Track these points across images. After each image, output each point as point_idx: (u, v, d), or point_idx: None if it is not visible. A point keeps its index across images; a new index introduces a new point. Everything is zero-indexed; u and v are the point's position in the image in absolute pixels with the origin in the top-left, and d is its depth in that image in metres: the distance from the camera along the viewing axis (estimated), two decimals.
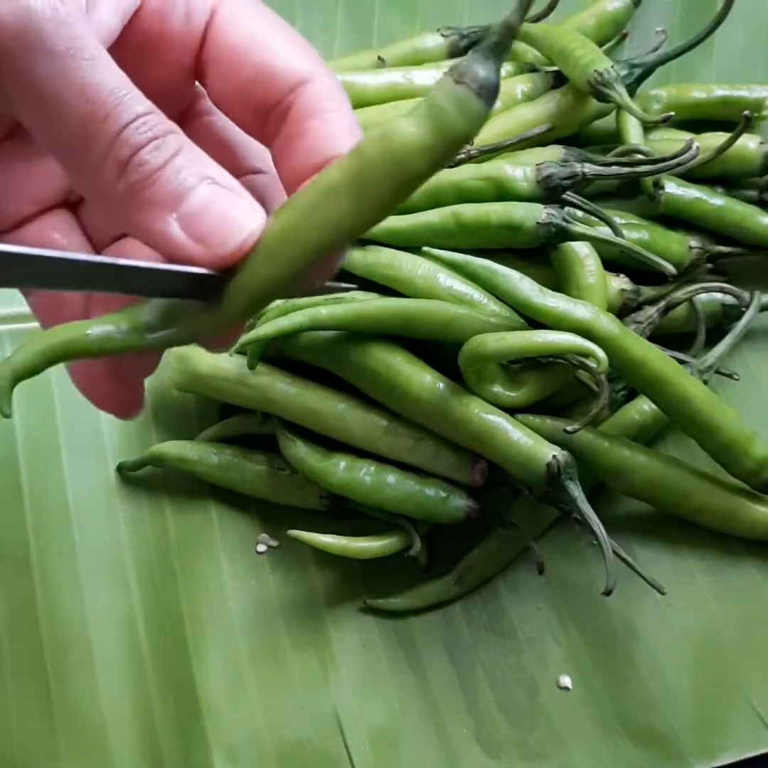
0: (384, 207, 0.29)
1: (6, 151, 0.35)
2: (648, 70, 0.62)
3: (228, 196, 0.32)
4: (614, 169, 0.54)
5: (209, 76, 0.34)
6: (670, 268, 0.52)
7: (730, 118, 0.62)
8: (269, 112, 0.34)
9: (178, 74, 0.34)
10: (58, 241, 0.37)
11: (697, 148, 0.53)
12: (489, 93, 0.27)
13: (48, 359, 0.30)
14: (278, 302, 0.54)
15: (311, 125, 0.33)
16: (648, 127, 0.62)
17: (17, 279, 0.29)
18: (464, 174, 0.54)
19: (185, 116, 0.37)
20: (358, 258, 0.54)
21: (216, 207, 0.31)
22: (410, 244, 0.53)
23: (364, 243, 0.54)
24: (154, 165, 0.30)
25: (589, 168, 0.53)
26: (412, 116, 0.28)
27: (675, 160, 0.52)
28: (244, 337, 0.53)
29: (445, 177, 0.54)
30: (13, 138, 0.34)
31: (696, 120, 0.64)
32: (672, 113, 0.57)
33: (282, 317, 0.52)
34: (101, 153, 0.30)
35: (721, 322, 0.60)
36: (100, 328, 0.31)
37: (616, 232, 0.54)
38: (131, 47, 0.33)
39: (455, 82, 0.27)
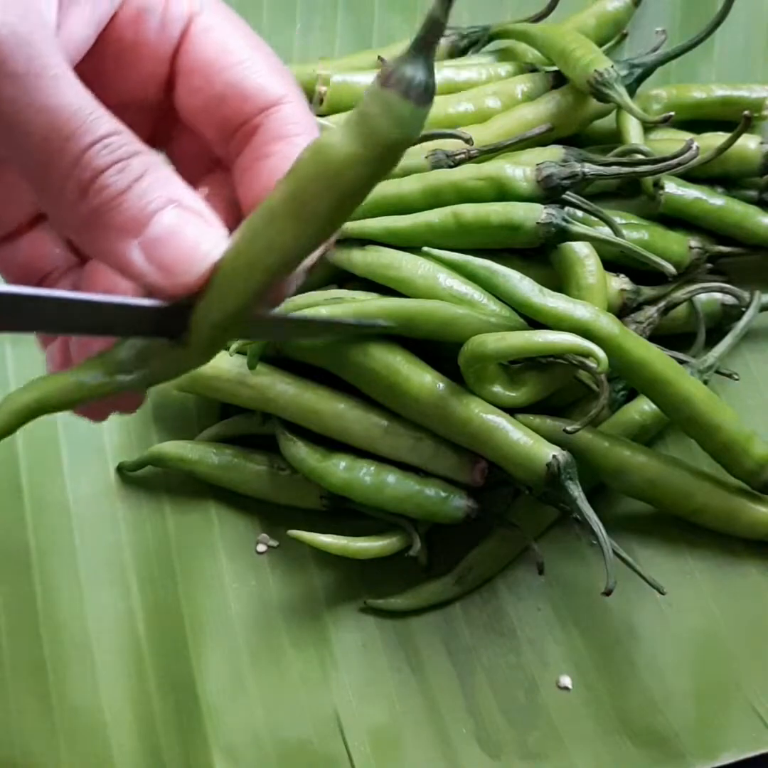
0: (325, 225, 0.28)
1: None
2: (648, 70, 0.62)
3: (192, 221, 0.31)
4: (614, 169, 0.54)
5: (179, 87, 0.34)
6: (670, 268, 0.52)
7: (730, 118, 0.62)
8: (236, 130, 0.33)
9: (154, 84, 0.34)
10: (52, 252, 0.36)
11: (697, 148, 0.53)
12: (419, 94, 0.25)
13: (23, 417, 0.30)
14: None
15: (277, 148, 0.33)
16: (648, 127, 0.62)
17: None
18: (464, 174, 0.54)
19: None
20: (358, 258, 0.54)
21: (179, 234, 0.30)
22: (410, 244, 0.53)
23: (364, 243, 0.54)
24: (116, 189, 0.29)
25: (589, 168, 0.53)
26: (341, 127, 0.27)
27: (675, 160, 0.52)
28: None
29: (445, 177, 0.54)
30: None
31: (696, 120, 0.64)
32: (672, 113, 0.57)
33: None
34: (63, 175, 0.29)
35: (721, 322, 0.60)
36: (72, 377, 0.30)
37: (616, 232, 0.54)
38: (106, 56, 0.33)
39: (381, 85, 0.25)
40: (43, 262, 0.37)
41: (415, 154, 0.56)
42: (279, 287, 0.32)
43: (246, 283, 0.30)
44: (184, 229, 0.30)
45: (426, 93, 0.26)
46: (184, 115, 0.34)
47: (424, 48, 0.25)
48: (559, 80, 0.62)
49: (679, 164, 0.53)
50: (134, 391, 0.32)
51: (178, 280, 0.30)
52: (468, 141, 0.56)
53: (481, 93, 0.61)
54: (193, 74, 0.33)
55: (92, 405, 0.34)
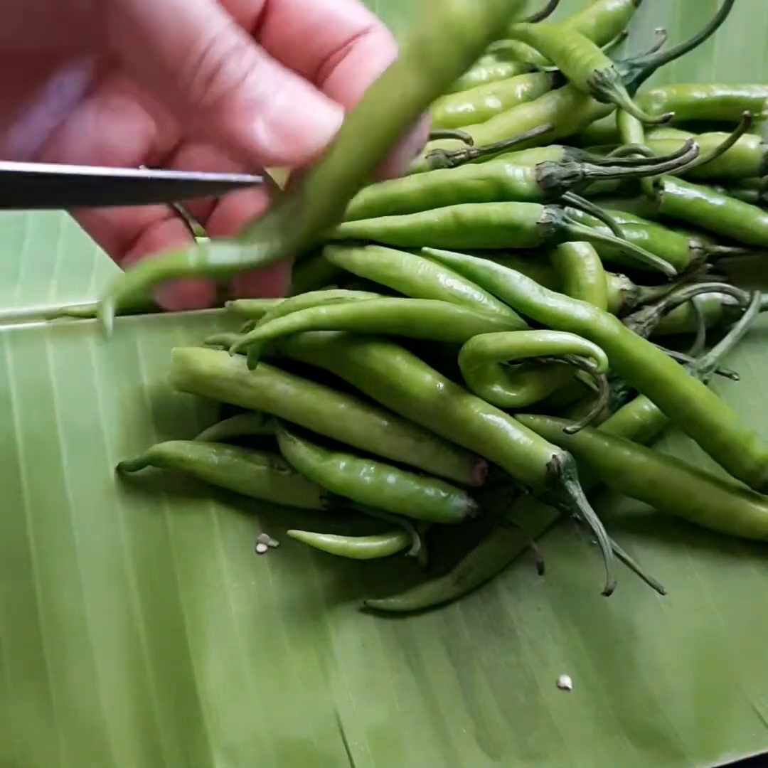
0: (447, 77, 0.31)
1: (97, 102, 0.39)
2: (648, 70, 0.62)
3: (308, 97, 0.34)
4: (614, 169, 0.54)
5: (273, 19, 0.37)
6: (670, 269, 0.52)
7: (730, 118, 0.62)
8: (327, 59, 0.36)
9: (247, 18, 0.36)
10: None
11: (697, 148, 0.53)
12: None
13: (152, 280, 0.33)
14: (277, 302, 0.55)
15: (368, 66, 0.36)
16: (648, 127, 0.62)
17: (77, 198, 0.33)
18: (464, 174, 0.54)
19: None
20: (358, 258, 0.54)
21: (297, 109, 0.34)
22: (410, 244, 0.53)
23: (364, 243, 0.54)
24: (238, 75, 0.33)
25: (589, 168, 0.53)
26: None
27: (675, 161, 0.52)
28: (244, 338, 0.53)
29: (445, 177, 0.54)
30: (104, 88, 0.39)
31: (696, 120, 0.64)
32: (672, 113, 0.57)
33: (282, 317, 0.52)
34: (190, 70, 0.33)
35: (721, 322, 0.60)
36: (200, 254, 0.34)
37: (616, 232, 0.54)
38: None
39: None
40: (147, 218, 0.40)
41: None
42: (404, 141, 0.34)
43: (372, 140, 0.33)
44: (301, 104, 0.34)
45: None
46: (272, 47, 0.37)
47: None
48: (559, 80, 0.62)
49: (679, 164, 0.53)
50: (260, 268, 0.35)
51: (303, 149, 0.34)
52: (468, 141, 0.56)
53: (481, 93, 0.61)
54: (290, 6, 0.36)
55: (175, 289, 0.38)
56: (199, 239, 0.38)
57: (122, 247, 0.40)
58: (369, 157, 0.33)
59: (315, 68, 0.37)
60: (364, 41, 0.37)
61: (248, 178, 0.35)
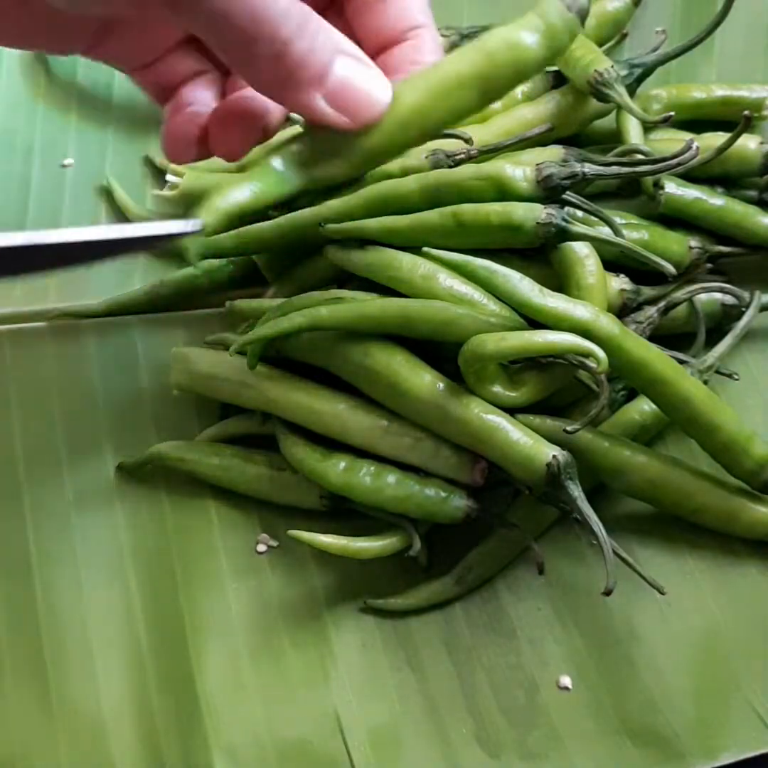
0: (498, 98, 0.44)
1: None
2: (648, 70, 0.62)
3: (362, 71, 0.41)
4: (614, 169, 0.54)
5: None
6: (670, 268, 0.52)
7: (731, 118, 0.62)
8: (388, 40, 0.44)
9: None
10: (191, 67, 0.48)
11: (697, 148, 0.53)
12: (582, 12, 0.42)
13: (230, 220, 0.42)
14: (277, 302, 0.55)
15: (422, 58, 0.44)
16: (648, 127, 0.62)
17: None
18: (464, 174, 0.54)
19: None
20: (358, 258, 0.54)
21: (353, 83, 0.41)
22: (410, 243, 0.53)
23: (363, 243, 0.54)
24: (300, 54, 0.39)
25: (589, 168, 0.53)
26: (530, 31, 0.41)
27: (675, 160, 0.52)
28: (244, 338, 0.53)
29: (445, 177, 0.54)
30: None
31: (696, 120, 0.64)
32: (672, 113, 0.57)
33: (282, 318, 0.52)
34: (260, 52, 0.38)
35: (721, 322, 0.60)
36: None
37: (616, 232, 0.54)
38: None
39: (565, 6, 0.42)
40: (182, 75, 0.49)
41: (414, 154, 0.57)
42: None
43: (423, 129, 0.42)
44: (355, 79, 0.41)
45: (585, 14, 0.43)
46: (346, 13, 0.44)
47: None
48: (559, 80, 0.62)
49: (679, 164, 0.53)
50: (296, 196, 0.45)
51: (359, 119, 0.41)
52: (468, 141, 0.56)
53: None
54: None
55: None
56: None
57: (164, 95, 0.49)
58: (415, 142, 0.44)
59: (377, 44, 0.44)
60: (422, 34, 0.44)
61: (189, 228, 0.40)
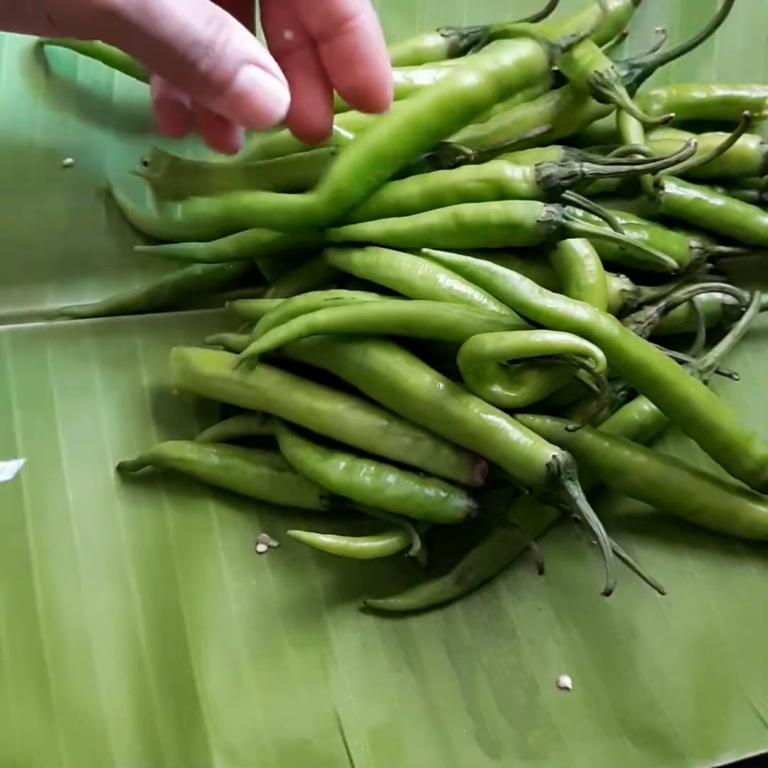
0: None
1: None
2: (648, 71, 0.62)
3: (265, 80, 0.46)
4: (613, 167, 0.54)
5: None
6: (672, 263, 0.52)
7: (731, 118, 0.62)
8: (324, 30, 0.49)
9: None
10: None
11: (695, 144, 0.53)
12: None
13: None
14: (277, 302, 0.55)
15: (369, 48, 0.49)
16: (648, 128, 0.62)
17: None
18: (463, 176, 0.54)
19: None
20: (358, 260, 0.54)
21: (254, 91, 0.46)
22: (411, 245, 0.53)
23: (363, 245, 0.54)
24: (204, 69, 0.45)
25: (588, 167, 0.53)
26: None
27: (674, 157, 0.52)
28: (244, 353, 0.53)
29: (444, 179, 0.54)
30: None
31: (697, 120, 0.64)
32: (672, 114, 0.57)
33: (280, 327, 0.52)
34: (175, 65, 0.45)
35: (721, 322, 0.60)
36: None
37: (616, 228, 0.54)
38: None
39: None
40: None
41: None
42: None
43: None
44: (256, 88, 0.46)
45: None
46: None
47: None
48: (558, 80, 0.62)
49: (677, 161, 0.53)
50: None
51: (256, 126, 0.47)
52: (467, 155, 0.56)
53: None
54: None
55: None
56: None
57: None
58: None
59: (320, 30, 0.49)
60: (364, 22, 0.49)
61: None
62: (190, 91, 0.49)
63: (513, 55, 0.53)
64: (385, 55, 0.50)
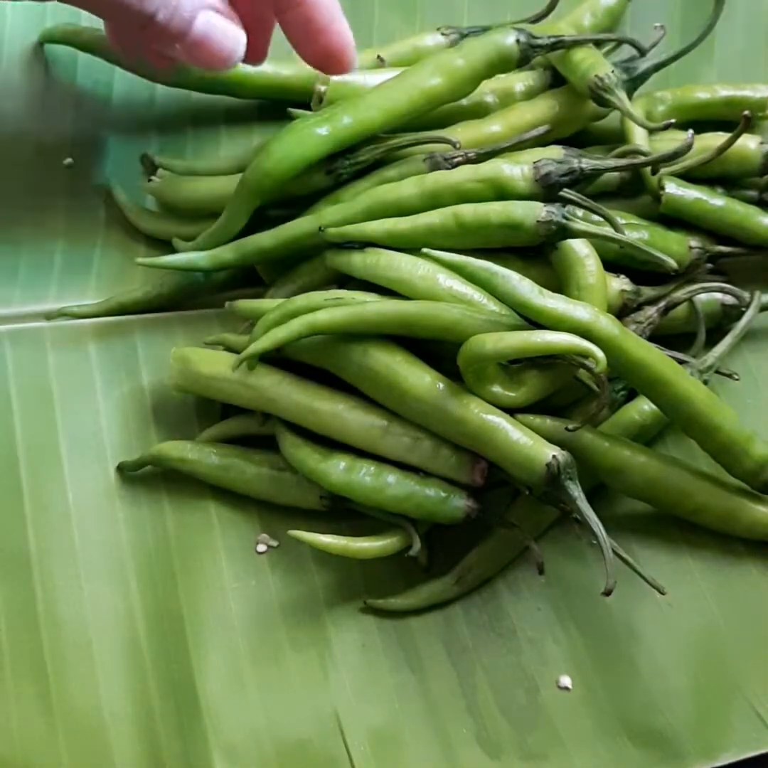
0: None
1: None
2: (647, 73, 0.62)
3: (221, 25, 0.49)
4: (611, 163, 0.54)
5: None
6: (671, 263, 0.52)
7: (734, 119, 0.61)
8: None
9: None
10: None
11: (692, 136, 0.53)
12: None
13: None
14: (277, 302, 0.55)
15: (319, 14, 0.50)
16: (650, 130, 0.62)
17: None
18: (462, 176, 0.54)
19: None
20: (358, 261, 0.54)
21: (210, 37, 0.49)
22: (411, 245, 0.53)
23: (363, 245, 0.54)
24: (162, 21, 0.48)
25: (586, 163, 0.53)
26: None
27: (671, 152, 0.52)
28: (244, 353, 0.53)
29: (444, 180, 0.54)
30: None
31: (699, 121, 0.64)
32: (672, 120, 0.57)
33: (280, 327, 0.52)
34: (131, 21, 0.48)
35: (721, 322, 0.60)
36: None
37: (616, 228, 0.54)
38: None
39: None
40: None
41: (413, 158, 0.57)
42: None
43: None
44: (212, 32, 0.49)
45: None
46: None
47: None
48: (557, 78, 0.61)
49: (675, 155, 0.53)
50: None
51: (214, 68, 0.50)
52: (455, 145, 0.56)
53: (480, 91, 0.61)
54: None
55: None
56: None
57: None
58: None
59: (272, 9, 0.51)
60: None
61: None
62: (154, 42, 0.51)
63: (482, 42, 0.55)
64: (341, 20, 0.52)
